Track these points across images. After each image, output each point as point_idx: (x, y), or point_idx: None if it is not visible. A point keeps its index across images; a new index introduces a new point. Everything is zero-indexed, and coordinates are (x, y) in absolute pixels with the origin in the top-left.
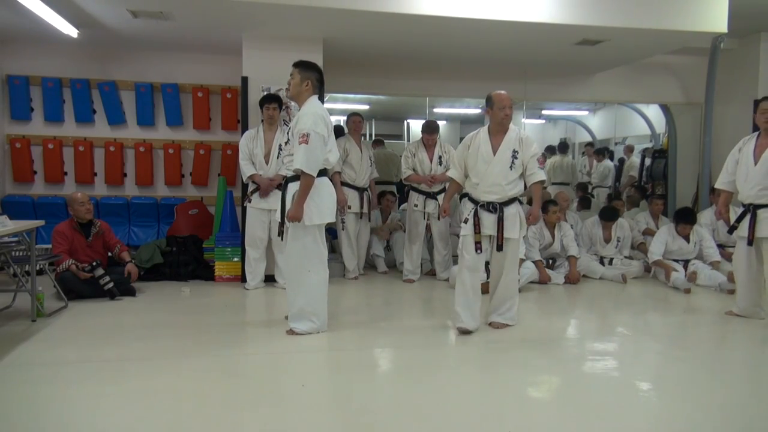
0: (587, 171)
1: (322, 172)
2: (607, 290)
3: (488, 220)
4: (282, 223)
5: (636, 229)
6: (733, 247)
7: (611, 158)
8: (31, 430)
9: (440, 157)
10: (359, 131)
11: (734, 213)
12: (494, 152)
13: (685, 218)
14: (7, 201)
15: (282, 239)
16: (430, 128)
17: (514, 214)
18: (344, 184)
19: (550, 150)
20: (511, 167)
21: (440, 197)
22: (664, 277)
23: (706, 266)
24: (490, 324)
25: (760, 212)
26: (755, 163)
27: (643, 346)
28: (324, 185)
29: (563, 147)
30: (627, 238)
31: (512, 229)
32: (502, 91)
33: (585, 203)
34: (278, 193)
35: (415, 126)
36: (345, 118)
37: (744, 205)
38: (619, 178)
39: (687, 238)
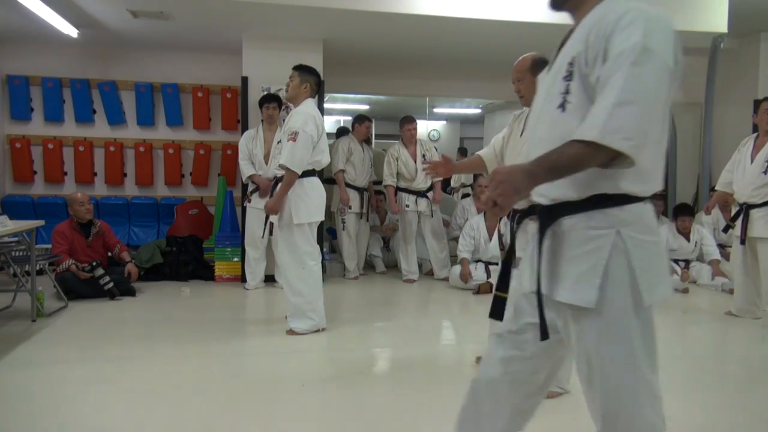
0: None
1: (312, 173)
2: None
3: (526, 249)
4: (265, 222)
5: None
6: (731, 246)
7: None
8: (31, 430)
9: (423, 156)
10: (366, 135)
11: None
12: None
13: (684, 211)
14: (7, 201)
15: (263, 237)
16: (408, 118)
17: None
18: (345, 184)
19: None
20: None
21: (430, 194)
22: None
23: (706, 268)
24: None
25: (753, 212)
26: (751, 162)
27: None
28: (313, 185)
29: None
30: None
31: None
32: None
33: None
34: None
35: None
36: (350, 118)
37: (739, 205)
38: None
39: (687, 237)
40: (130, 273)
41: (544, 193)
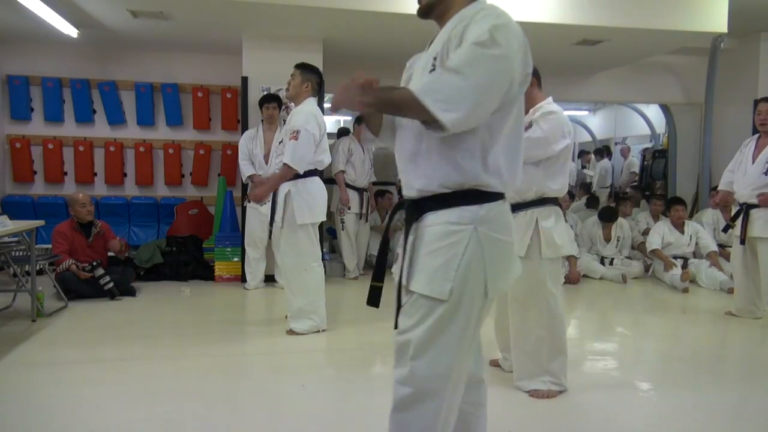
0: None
1: (314, 172)
2: (607, 290)
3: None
4: (271, 223)
5: (636, 229)
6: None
7: (610, 158)
8: (31, 430)
9: None
10: None
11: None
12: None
13: (676, 201)
14: (7, 201)
15: (270, 238)
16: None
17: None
18: (345, 184)
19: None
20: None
21: None
22: (663, 269)
23: (705, 263)
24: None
25: (753, 212)
26: (752, 162)
27: (643, 346)
28: (315, 185)
29: (600, 151)
30: (627, 238)
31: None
32: None
33: (593, 203)
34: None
35: None
36: (350, 118)
37: (739, 205)
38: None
39: (682, 229)
40: (123, 245)
41: (412, 185)
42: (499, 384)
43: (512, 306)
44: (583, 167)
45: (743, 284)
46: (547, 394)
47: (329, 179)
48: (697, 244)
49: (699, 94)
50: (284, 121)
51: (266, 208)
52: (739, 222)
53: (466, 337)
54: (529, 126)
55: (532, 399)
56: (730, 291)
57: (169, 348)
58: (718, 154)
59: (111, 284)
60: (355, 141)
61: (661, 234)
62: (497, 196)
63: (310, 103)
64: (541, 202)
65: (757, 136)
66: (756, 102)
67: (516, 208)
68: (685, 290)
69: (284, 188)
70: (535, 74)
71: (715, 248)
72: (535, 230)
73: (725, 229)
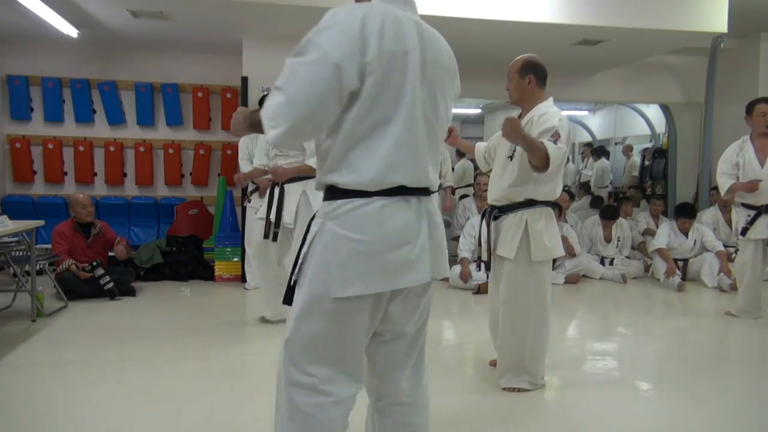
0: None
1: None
2: (607, 290)
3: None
4: (276, 225)
5: (636, 230)
6: (733, 246)
7: (607, 157)
8: (31, 430)
9: None
10: None
11: (735, 213)
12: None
13: (685, 213)
14: (7, 201)
15: (270, 240)
16: None
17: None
18: None
19: (596, 153)
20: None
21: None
22: (663, 274)
23: (709, 257)
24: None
25: None
26: (762, 166)
27: (643, 346)
28: None
29: (597, 152)
30: (627, 238)
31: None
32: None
33: (597, 203)
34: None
35: None
36: None
37: (755, 207)
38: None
39: (687, 234)
40: (125, 246)
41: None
42: (498, 385)
43: (502, 307)
44: (584, 166)
45: (750, 286)
46: (518, 390)
47: None
48: (703, 246)
49: (699, 94)
50: None
51: (261, 203)
52: (756, 225)
53: (332, 340)
54: (558, 137)
55: (531, 399)
56: (731, 288)
57: (169, 348)
58: (718, 154)
59: (111, 284)
60: None
61: (666, 235)
62: (355, 193)
63: None
64: (531, 203)
65: (747, 137)
66: (750, 105)
67: (506, 209)
68: (681, 287)
69: (297, 189)
70: (535, 71)
71: (722, 248)
72: (524, 233)
73: (743, 233)
